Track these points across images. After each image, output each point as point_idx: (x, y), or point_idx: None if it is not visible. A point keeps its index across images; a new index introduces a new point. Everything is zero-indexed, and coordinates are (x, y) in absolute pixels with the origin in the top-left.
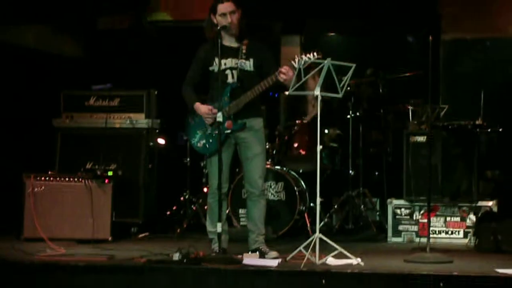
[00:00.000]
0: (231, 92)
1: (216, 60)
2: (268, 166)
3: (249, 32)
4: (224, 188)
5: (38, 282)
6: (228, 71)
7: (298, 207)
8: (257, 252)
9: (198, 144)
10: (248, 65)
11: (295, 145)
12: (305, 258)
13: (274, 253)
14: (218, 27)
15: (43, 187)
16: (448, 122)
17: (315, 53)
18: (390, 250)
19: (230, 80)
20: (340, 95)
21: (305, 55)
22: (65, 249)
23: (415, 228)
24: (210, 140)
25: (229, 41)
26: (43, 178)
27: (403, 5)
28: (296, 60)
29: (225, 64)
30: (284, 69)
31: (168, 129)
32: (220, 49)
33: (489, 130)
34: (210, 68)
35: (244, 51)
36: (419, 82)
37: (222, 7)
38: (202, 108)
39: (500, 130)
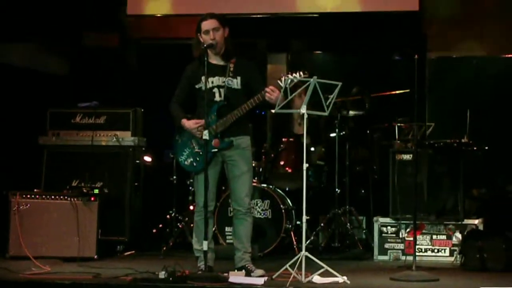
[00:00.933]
0: (218, 110)
1: (203, 78)
2: (255, 184)
3: (237, 50)
4: (211, 206)
5: None
6: (215, 89)
7: (285, 225)
8: (243, 270)
9: (186, 162)
10: (236, 83)
11: (282, 163)
12: (291, 276)
13: (260, 271)
14: (204, 46)
15: (28, 205)
16: (434, 140)
17: (301, 72)
18: (376, 268)
19: (217, 98)
20: (326, 113)
21: (291, 74)
22: (51, 267)
23: (401, 246)
24: (197, 158)
25: (216, 59)
26: (28, 196)
27: (388, 24)
28: (282, 79)
29: (212, 82)
30: (270, 88)
31: (154, 147)
32: (207, 67)
33: (475, 148)
34: (197, 86)
35: (231, 69)
36: (405, 100)
37: (205, 24)
38: (188, 123)
39: (486, 148)
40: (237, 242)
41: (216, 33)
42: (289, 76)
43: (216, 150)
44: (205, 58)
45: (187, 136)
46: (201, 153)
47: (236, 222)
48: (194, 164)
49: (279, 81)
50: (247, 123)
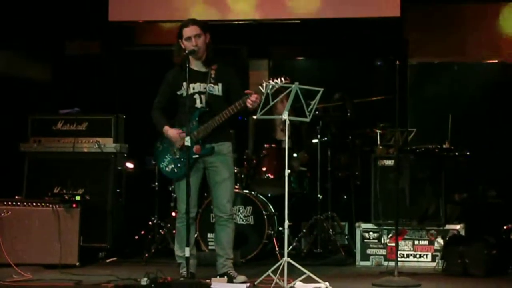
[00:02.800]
0: (200, 117)
1: (184, 84)
2: (237, 190)
3: (217, 57)
4: (193, 213)
5: None
6: (196, 96)
7: (267, 231)
8: (225, 277)
9: (167, 169)
10: (217, 89)
11: (264, 169)
12: (274, 283)
13: (242, 278)
14: (186, 52)
15: (10, 212)
16: (416, 146)
17: (282, 78)
18: (359, 274)
19: (198, 104)
20: (308, 119)
21: (273, 80)
22: (32, 275)
23: (383, 251)
24: (179, 165)
25: (197, 66)
26: (10, 203)
27: (370, 30)
28: (264, 85)
29: (193, 88)
30: (253, 97)
31: (136, 153)
32: (188, 74)
33: (456, 153)
34: (178, 93)
35: (213, 75)
36: (387, 106)
37: (187, 31)
38: (170, 132)
39: (468, 153)
40: (219, 248)
41: (198, 40)
42: (271, 82)
43: (197, 156)
44: (187, 64)
45: (168, 142)
46: (182, 159)
47: (218, 229)
48: (175, 170)
49: (260, 87)
50: (229, 129)
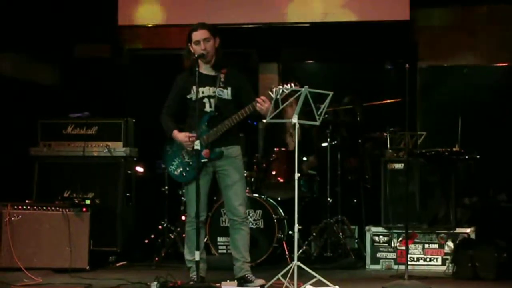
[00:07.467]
0: (209, 121)
1: (194, 88)
2: (246, 193)
3: (227, 61)
4: (202, 216)
5: None
6: (205, 100)
7: (277, 235)
8: (242, 281)
9: (175, 172)
10: (226, 93)
11: (274, 172)
12: (283, 286)
13: (260, 281)
14: (195, 56)
15: (20, 216)
16: (426, 149)
17: (292, 84)
18: (369, 277)
19: (207, 108)
20: (317, 123)
21: (283, 85)
22: (42, 279)
23: (393, 255)
24: (187, 168)
25: (206, 70)
26: (20, 207)
27: (379, 33)
28: (274, 89)
29: (202, 92)
30: (261, 98)
31: (146, 157)
32: (197, 78)
33: (466, 157)
34: (188, 97)
35: (222, 79)
36: (397, 109)
37: (196, 34)
38: (180, 136)
39: (478, 156)
40: (235, 252)
41: (207, 44)
42: (281, 87)
43: (206, 160)
44: (196, 68)
45: (178, 146)
46: (191, 163)
47: (232, 232)
48: (184, 174)
49: (270, 92)
50: (237, 133)
